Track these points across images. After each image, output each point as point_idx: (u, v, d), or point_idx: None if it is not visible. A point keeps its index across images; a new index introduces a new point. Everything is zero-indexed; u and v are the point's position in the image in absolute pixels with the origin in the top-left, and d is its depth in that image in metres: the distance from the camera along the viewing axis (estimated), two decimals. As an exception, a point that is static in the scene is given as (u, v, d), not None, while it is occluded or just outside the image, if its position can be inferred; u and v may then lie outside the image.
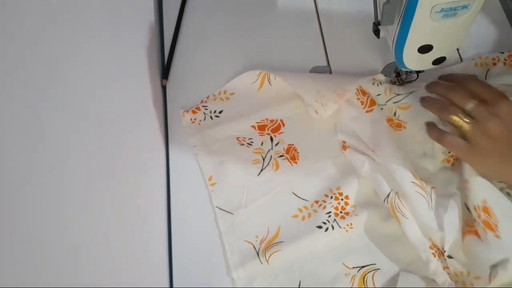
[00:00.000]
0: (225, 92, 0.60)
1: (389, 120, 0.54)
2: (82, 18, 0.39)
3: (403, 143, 0.53)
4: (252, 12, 0.66)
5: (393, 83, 0.57)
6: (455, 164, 0.51)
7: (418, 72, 0.57)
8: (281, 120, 0.57)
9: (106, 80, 0.43)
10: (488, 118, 0.44)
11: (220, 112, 0.58)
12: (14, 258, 0.24)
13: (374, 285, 0.48)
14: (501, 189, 0.47)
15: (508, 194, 0.47)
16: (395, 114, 0.54)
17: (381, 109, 0.55)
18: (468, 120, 0.45)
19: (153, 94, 0.59)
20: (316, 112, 0.55)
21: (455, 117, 0.46)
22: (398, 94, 0.55)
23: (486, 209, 0.45)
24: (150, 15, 0.65)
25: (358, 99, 0.55)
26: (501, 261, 0.42)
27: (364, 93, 0.56)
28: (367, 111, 0.54)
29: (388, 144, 0.51)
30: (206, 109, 0.59)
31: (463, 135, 0.46)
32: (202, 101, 0.59)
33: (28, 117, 0.28)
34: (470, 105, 0.45)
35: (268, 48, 0.63)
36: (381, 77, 0.56)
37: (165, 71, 0.63)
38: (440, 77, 0.51)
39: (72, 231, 0.31)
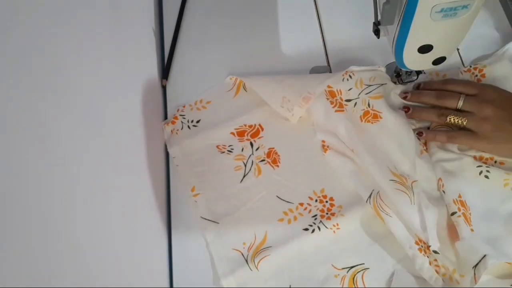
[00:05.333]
0: (201, 101, 0.59)
1: (366, 113, 0.54)
2: (82, 19, 0.39)
3: (383, 134, 0.53)
4: (252, 12, 0.66)
5: (393, 83, 0.57)
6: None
7: (418, 72, 0.57)
8: (260, 125, 0.57)
9: (106, 80, 0.43)
10: (480, 106, 0.50)
11: (198, 121, 0.58)
12: (14, 258, 0.24)
13: (364, 285, 0.48)
14: (479, 173, 0.48)
15: (486, 177, 0.50)
16: (369, 105, 0.55)
17: (355, 104, 0.55)
18: (464, 117, 0.50)
19: (153, 94, 0.59)
20: (286, 118, 0.56)
21: (452, 117, 0.51)
22: (370, 85, 0.56)
23: (462, 203, 0.48)
24: (150, 15, 0.65)
25: (327, 99, 0.55)
26: (481, 260, 0.43)
27: (333, 94, 0.56)
28: (336, 111, 0.55)
29: (363, 145, 0.52)
30: (184, 118, 0.58)
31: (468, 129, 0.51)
32: (178, 110, 0.59)
33: (29, 117, 0.28)
34: (460, 102, 0.51)
35: (268, 48, 0.63)
36: (354, 68, 0.56)
37: (165, 71, 0.63)
38: (418, 87, 0.56)
39: (72, 230, 0.31)
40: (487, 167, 0.50)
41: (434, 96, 0.53)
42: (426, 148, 0.53)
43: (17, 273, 0.24)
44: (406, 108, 0.55)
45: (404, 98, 0.55)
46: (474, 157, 0.51)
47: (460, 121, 0.50)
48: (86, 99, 0.37)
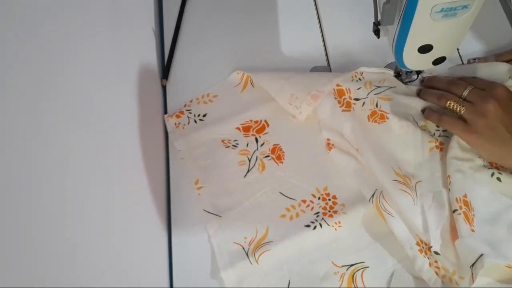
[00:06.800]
0: (208, 95, 0.60)
1: (373, 114, 0.54)
2: (82, 18, 0.39)
3: (389, 135, 0.53)
4: (252, 12, 0.66)
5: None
6: (443, 150, 0.52)
7: (418, 72, 0.57)
8: (265, 121, 0.58)
9: (106, 80, 0.43)
10: (484, 99, 0.48)
11: (204, 115, 0.59)
12: (14, 258, 0.24)
13: (363, 283, 0.48)
14: (491, 175, 0.48)
15: (498, 180, 0.49)
16: (377, 105, 0.54)
17: (363, 103, 0.55)
18: (464, 105, 0.49)
19: (153, 94, 0.59)
20: (294, 116, 0.56)
21: (453, 102, 0.50)
22: (379, 87, 0.55)
23: (466, 203, 0.47)
24: (150, 14, 0.65)
25: (335, 98, 0.55)
26: (478, 259, 0.43)
27: (341, 93, 0.56)
28: (343, 111, 0.55)
29: (368, 144, 0.52)
30: (190, 112, 0.59)
31: (463, 119, 0.49)
32: (185, 105, 0.59)
33: (29, 117, 0.28)
34: (466, 92, 0.49)
35: (268, 48, 0.63)
36: (363, 68, 0.56)
37: (165, 71, 0.63)
38: (434, 77, 0.55)
39: (72, 231, 0.31)
40: (499, 172, 0.49)
41: (445, 82, 0.53)
42: (438, 145, 0.53)
43: (17, 273, 0.24)
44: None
45: (421, 81, 0.56)
46: (490, 163, 0.50)
47: (458, 108, 0.49)
48: (85, 99, 0.37)
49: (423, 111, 0.54)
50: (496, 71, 0.53)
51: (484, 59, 0.57)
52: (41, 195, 0.27)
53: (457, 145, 0.50)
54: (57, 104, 0.32)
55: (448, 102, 0.50)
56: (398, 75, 0.57)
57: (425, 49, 0.45)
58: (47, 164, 0.29)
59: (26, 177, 0.26)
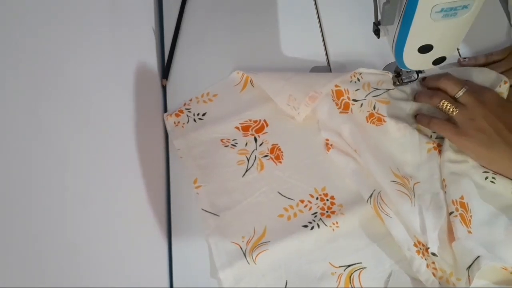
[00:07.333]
0: (208, 94, 0.60)
1: (371, 116, 0.54)
2: (82, 18, 0.39)
3: (386, 137, 0.53)
4: (252, 12, 0.66)
5: (393, 83, 0.57)
6: (441, 151, 0.52)
7: (418, 72, 0.57)
8: (265, 121, 0.58)
9: (106, 79, 0.43)
10: (477, 105, 0.48)
11: (204, 114, 0.59)
12: (14, 258, 0.24)
13: (360, 284, 0.48)
14: (485, 178, 0.48)
15: (492, 183, 0.49)
16: (374, 107, 0.55)
17: (361, 105, 0.55)
18: (457, 107, 0.49)
19: (153, 94, 0.59)
20: (292, 117, 0.56)
21: (446, 103, 0.50)
22: (377, 89, 0.56)
23: (463, 204, 0.47)
24: (150, 14, 0.65)
25: (333, 100, 0.55)
26: (474, 261, 0.43)
27: (340, 94, 0.56)
28: (340, 112, 0.55)
29: (366, 145, 0.52)
30: (190, 111, 0.59)
31: (454, 121, 0.50)
32: (185, 104, 0.60)
33: (28, 117, 0.28)
34: (460, 92, 0.50)
35: (269, 48, 0.63)
36: (362, 69, 0.57)
37: (165, 71, 0.63)
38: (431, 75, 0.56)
39: (72, 230, 0.31)
40: (493, 174, 0.49)
41: (438, 76, 0.52)
42: (436, 146, 0.53)
43: (17, 273, 0.24)
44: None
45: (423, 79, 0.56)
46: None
47: (451, 109, 0.49)
48: (85, 99, 0.37)
49: (415, 116, 0.54)
50: (485, 78, 0.53)
51: (474, 58, 0.57)
52: (41, 195, 0.27)
53: (449, 148, 0.51)
54: (57, 104, 0.32)
55: (442, 101, 0.50)
56: (398, 74, 0.57)
57: (425, 49, 0.45)
58: (47, 164, 0.29)
59: (26, 177, 0.26)
